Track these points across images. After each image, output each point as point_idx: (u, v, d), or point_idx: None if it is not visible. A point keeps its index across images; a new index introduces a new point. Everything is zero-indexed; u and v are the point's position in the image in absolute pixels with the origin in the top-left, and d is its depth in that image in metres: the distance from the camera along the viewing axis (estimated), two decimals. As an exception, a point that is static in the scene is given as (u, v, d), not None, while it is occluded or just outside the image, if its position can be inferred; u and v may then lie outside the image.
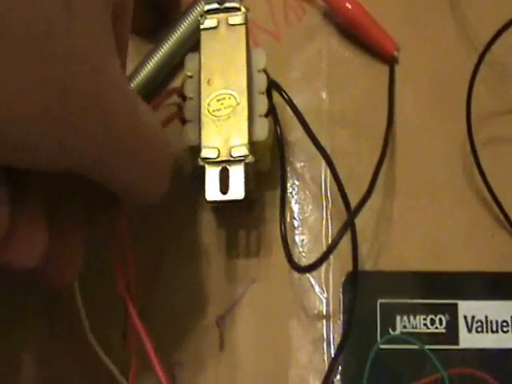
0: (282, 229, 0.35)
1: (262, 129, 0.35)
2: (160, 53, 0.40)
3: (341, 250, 0.35)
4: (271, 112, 0.36)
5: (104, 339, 0.33)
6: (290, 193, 0.38)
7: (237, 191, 0.34)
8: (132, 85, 0.39)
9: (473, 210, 0.37)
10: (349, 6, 0.40)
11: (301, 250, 0.37)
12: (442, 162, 0.38)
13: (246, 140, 0.34)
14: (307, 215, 0.38)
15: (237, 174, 0.34)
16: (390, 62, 0.40)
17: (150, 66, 0.40)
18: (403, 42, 0.40)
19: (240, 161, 0.34)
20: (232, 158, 0.34)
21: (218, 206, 0.36)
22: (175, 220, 0.38)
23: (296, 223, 0.37)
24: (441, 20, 0.40)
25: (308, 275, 0.36)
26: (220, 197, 0.34)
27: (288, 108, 0.36)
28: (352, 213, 0.34)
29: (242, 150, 0.34)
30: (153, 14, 0.40)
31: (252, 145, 0.34)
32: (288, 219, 0.37)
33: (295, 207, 0.38)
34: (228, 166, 0.34)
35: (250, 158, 0.34)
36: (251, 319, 0.36)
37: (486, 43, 0.37)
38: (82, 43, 0.25)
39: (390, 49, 0.40)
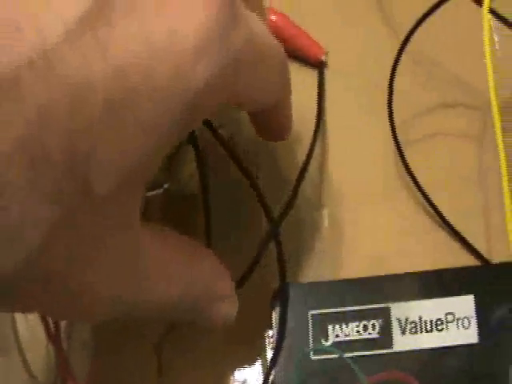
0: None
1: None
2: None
3: (268, 264, 0.34)
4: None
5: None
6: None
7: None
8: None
9: (406, 210, 0.35)
10: (273, 17, 0.40)
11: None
12: (372, 164, 0.36)
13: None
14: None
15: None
16: (319, 66, 0.39)
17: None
18: (333, 45, 0.39)
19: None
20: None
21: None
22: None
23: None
24: (368, 17, 0.40)
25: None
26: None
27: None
28: (274, 223, 0.33)
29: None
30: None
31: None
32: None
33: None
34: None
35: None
36: (187, 344, 0.35)
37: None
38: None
39: (317, 54, 0.39)
